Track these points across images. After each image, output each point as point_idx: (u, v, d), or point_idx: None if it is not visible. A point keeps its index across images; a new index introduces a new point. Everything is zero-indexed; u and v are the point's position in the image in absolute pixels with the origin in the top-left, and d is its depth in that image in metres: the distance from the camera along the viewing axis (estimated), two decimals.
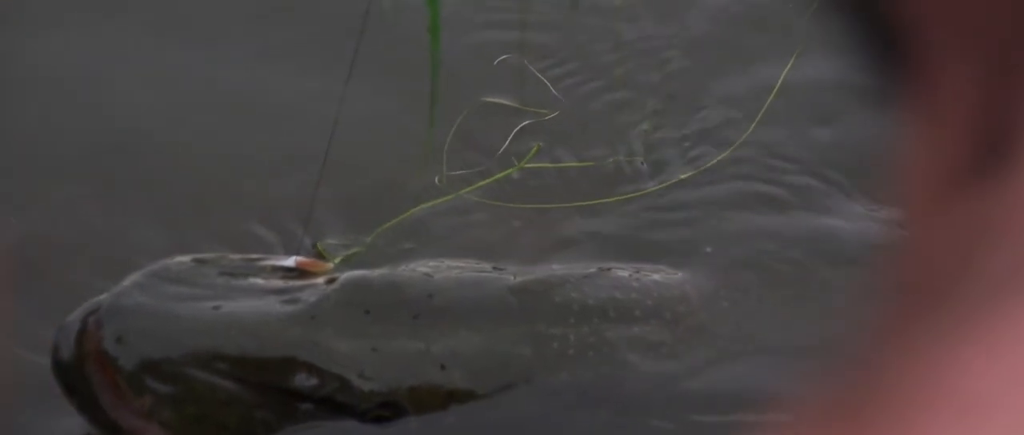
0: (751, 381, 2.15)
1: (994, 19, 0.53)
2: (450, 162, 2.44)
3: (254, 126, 2.53)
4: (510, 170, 2.41)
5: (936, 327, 0.51)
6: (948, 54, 0.55)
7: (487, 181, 2.41)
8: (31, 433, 2.11)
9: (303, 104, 2.51)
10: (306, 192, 2.27)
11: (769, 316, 2.24)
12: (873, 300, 0.57)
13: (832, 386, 0.54)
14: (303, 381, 1.99)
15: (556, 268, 2.24)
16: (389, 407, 2.03)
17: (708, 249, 2.35)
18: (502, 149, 2.46)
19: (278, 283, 2.08)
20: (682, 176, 2.46)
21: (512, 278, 2.17)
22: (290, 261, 2.15)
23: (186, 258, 2.08)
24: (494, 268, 2.22)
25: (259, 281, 2.07)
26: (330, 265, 2.23)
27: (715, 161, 2.46)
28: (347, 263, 2.30)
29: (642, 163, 2.48)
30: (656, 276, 2.25)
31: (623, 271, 2.24)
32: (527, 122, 2.49)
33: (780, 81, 2.50)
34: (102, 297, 2.02)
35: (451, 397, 2.06)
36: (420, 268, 2.17)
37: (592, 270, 2.22)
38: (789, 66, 2.51)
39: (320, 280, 2.11)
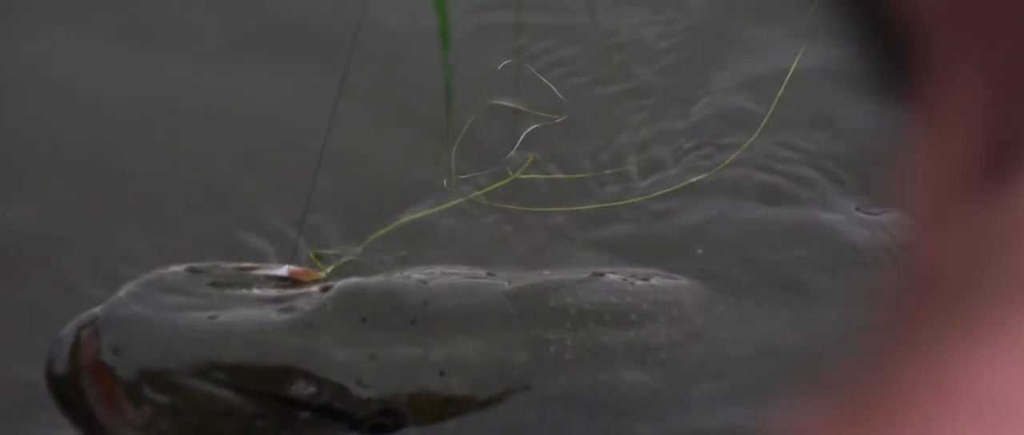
0: (751, 385, 2.15)
1: (1002, 25, 0.53)
2: (436, 168, 2.43)
3: (248, 134, 2.51)
4: (503, 181, 2.40)
5: (948, 332, 0.51)
6: (956, 59, 0.55)
7: (480, 192, 2.40)
8: None
9: (296, 113, 2.50)
10: (299, 200, 2.25)
11: (767, 319, 2.24)
12: (885, 305, 0.57)
13: (845, 390, 0.53)
14: (301, 390, 1.97)
15: (549, 273, 2.23)
16: (388, 415, 2.02)
17: (700, 251, 2.35)
18: (511, 153, 2.46)
19: (272, 292, 2.07)
20: (692, 179, 2.45)
21: (506, 284, 2.17)
22: (283, 270, 2.15)
23: (180, 268, 2.06)
24: (488, 274, 2.21)
25: (253, 290, 2.06)
26: (322, 274, 2.22)
27: (723, 165, 2.45)
28: (340, 272, 2.29)
29: (636, 171, 2.47)
30: (650, 280, 2.25)
31: (616, 276, 2.23)
32: (534, 126, 2.48)
33: (783, 86, 2.49)
34: (95, 310, 2.00)
35: (449, 403, 2.05)
36: (414, 275, 2.16)
37: (585, 275, 2.22)
38: (792, 69, 2.50)
39: (314, 288, 2.10)
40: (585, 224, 2.42)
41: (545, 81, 2.54)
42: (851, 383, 0.54)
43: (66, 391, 1.96)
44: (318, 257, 2.31)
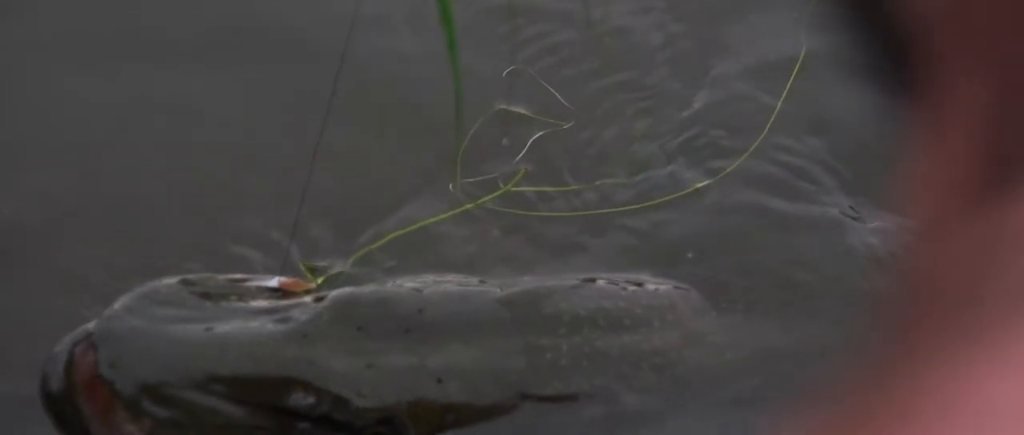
0: (748, 391, 2.15)
1: (1004, 32, 0.53)
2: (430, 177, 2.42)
3: (239, 141, 2.50)
4: (495, 194, 2.40)
5: (949, 341, 0.50)
6: (958, 65, 0.55)
7: (471, 205, 2.39)
8: None
9: (289, 128, 2.49)
10: (290, 209, 2.24)
11: (763, 322, 2.24)
12: (885, 313, 0.56)
13: (844, 399, 0.53)
14: (300, 401, 1.96)
15: (541, 279, 2.22)
16: (387, 424, 2.01)
17: (690, 255, 2.34)
18: (518, 158, 2.45)
19: (265, 303, 2.06)
20: (698, 185, 2.45)
21: (499, 291, 2.16)
22: (273, 281, 2.14)
23: (172, 280, 2.05)
24: (480, 282, 2.21)
25: (246, 302, 2.05)
26: (312, 285, 2.21)
27: (727, 171, 2.45)
28: (331, 282, 2.28)
29: (631, 178, 2.46)
30: (642, 285, 2.24)
31: (609, 281, 2.23)
32: (541, 133, 2.48)
33: (786, 89, 2.49)
34: (88, 326, 1.99)
35: (449, 411, 2.04)
36: (407, 283, 2.16)
37: (576, 281, 2.21)
38: (794, 72, 2.50)
39: (307, 298, 2.09)
40: (584, 229, 2.41)
41: (549, 87, 2.53)
42: (851, 392, 0.53)
43: (62, 408, 1.94)
44: (311, 270, 2.29)
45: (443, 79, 1.96)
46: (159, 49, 2.61)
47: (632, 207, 2.43)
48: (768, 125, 2.47)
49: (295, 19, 2.64)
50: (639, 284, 2.24)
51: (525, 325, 2.11)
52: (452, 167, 2.42)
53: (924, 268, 0.56)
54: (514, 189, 2.41)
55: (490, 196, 2.40)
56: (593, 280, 2.23)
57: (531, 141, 2.47)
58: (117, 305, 1.96)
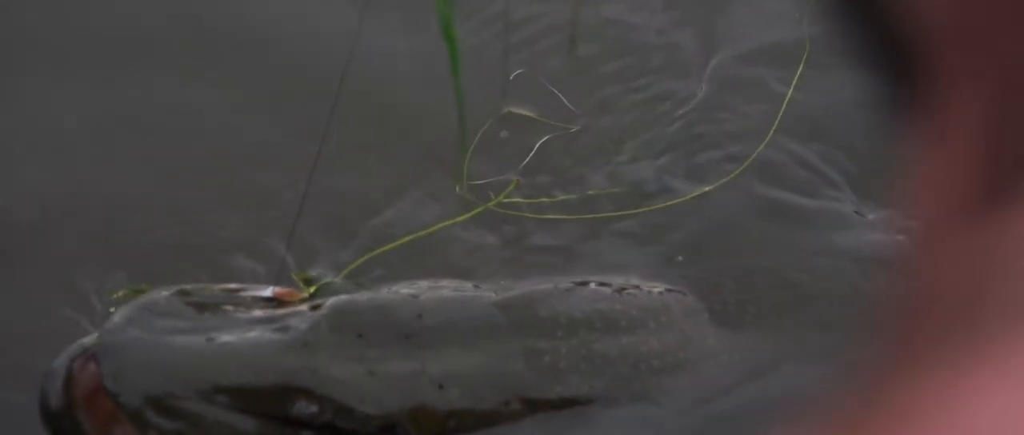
0: (745, 391, 2.15)
1: (1005, 37, 0.53)
2: (435, 180, 2.42)
3: (237, 149, 2.49)
4: (484, 206, 2.39)
5: (944, 356, 0.50)
6: (959, 71, 0.54)
7: (463, 217, 2.38)
8: None
9: (286, 140, 2.48)
10: (286, 217, 2.24)
11: (757, 327, 2.24)
12: (884, 318, 0.56)
13: (842, 405, 0.53)
14: (303, 409, 1.95)
15: (534, 283, 2.22)
16: (390, 431, 2.00)
17: (680, 258, 2.35)
18: (524, 162, 2.44)
19: (262, 312, 2.05)
20: (706, 188, 2.44)
21: (494, 295, 2.16)
22: (267, 291, 2.13)
23: (169, 290, 2.04)
24: (475, 287, 2.20)
25: (243, 311, 2.04)
26: (305, 294, 2.21)
27: (732, 176, 2.45)
28: (322, 292, 2.27)
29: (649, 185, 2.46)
30: (634, 288, 2.24)
31: (601, 284, 2.23)
32: (548, 136, 2.48)
33: (789, 94, 2.50)
34: (84, 341, 1.98)
35: (450, 417, 2.03)
36: (403, 290, 2.15)
37: (569, 284, 2.21)
38: (797, 75, 2.51)
39: (303, 307, 2.09)
40: (584, 234, 2.40)
41: (555, 91, 2.53)
42: (847, 399, 0.53)
43: (61, 423, 1.93)
44: (304, 280, 2.28)
45: (442, 83, 1.97)
46: (161, 57, 2.60)
47: (633, 211, 2.43)
48: (771, 131, 2.47)
49: (297, 32, 2.63)
50: (631, 287, 2.24)
51: (522, 329, 2.11)
52: (450, 174, 2.41)
53: (923, 275, 0.55)
54: (505, 200, 2.40)
55: (480, 208, 2.39)
56: (585, 283, 2.23)
57: (538, 145, 2.46)
58: (117, 317, 1.95)
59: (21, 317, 2.23)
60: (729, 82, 2.61)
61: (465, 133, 2.13)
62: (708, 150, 2.51)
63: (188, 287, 2.07)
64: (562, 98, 2.52)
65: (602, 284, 2.23)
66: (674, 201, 2.43)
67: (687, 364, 2.18)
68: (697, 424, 2.14)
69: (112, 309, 2.02)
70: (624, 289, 2.23)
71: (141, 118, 2.52)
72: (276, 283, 2.21)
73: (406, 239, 2.35)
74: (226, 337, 1.97)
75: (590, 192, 2.45)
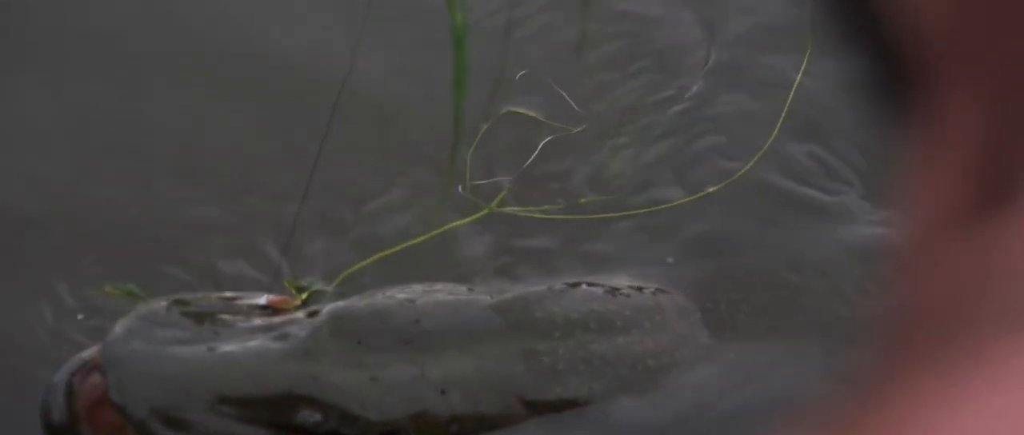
0: (745, 394, 2.16)
1: (1004, 53, 0.53)
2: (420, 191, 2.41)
3: (234, 153, 2.48)
4: (479, 214, 2.39)
5: (939, 358, 0.50)
6: (957, 86, 0.55)
7: (452, 225, 2.37)
8: None
9: (285, 143, 2.46)
10: (280, 223, 2.23)
11: (750, 327, 2.25)
12: (880, 328, 0.56)
13: (832, 415, 0.53)
14: (307, 418, 1.95)
15: (529, 285, 2.22)
16: None
17: (669, 260, 2.35)
18: (527, 162, 2.43)
19: (260, 321, 2.05)
20: (710, 189, 2.44)
21: (489, 297, 2.16)
22: (262, 299, 2.12)
23: (167, 300, 2.03)
24: (469, 289, 2.20)
25: (242, 320, 2.03)
26: (298, 301, 2.20)
27: (734, 178, 2.44)
28: (315, 298, 2.26)
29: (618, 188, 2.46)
30: (626, 288, 2.25)
31: (592, 285, 2.23)
32: (550, 137, 2.47)
33: (789, 99, 2.50)
34: (84, 354, 1.98)
35: (453, 422, 2.03)
36: (398, 294, 2.14)
37: (562, 285, 2.21)
38: (797, 79, 2.51)
39: (300, 314, 2.08)
40: (577, 235, 2.40)
41: (560, 91, 2.52)
42: (837, 410, 0.53)
43: None
44: (299, 290, 2.27)
45: (440, 86, 1.95)
46: (158, 63, 2.58)
47: (633, 212, 2.43)
48: (775, 134, 2.47)
49: (297, 37, 2.61)
50: (622, 287, 2.25)
51: (520, 331, 2.11)
52: (449, 176, 2.40)
53: (919, 279, 0.56)
54: (497, 209, 2.40)
55: (473, 217, 2.38)
56: (577, 284, 2.22)
57: (541, 145, 2.46)
58: (119, 329, 1.94)
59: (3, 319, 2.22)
60: (736, 79, 2.60)
61: (459, 132, 2.11)
62: (711, 151, 2.51)
63: (186, 296, 2.06)
64: (567, 98, 2.51)
65: (593, 285, 2.23)
66: (677, 202, 2.43)
67: (683, 364, 2.18)
68: (696, 424, 2.14)
69: (111, 318, 2.00)
70: (616, 290, 2.23)
71: (134, 124, 2.50)
72: (270, 290, 2.21)
73: (403, 246, 2.34)
74: (227, 347, 1.96)
75: (588, 197, 2.44)
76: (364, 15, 2.06)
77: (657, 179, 2.46)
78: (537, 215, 2.39)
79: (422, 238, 2.36)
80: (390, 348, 2.03)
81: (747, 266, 2.32)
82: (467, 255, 2.36)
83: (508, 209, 2.39)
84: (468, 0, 1.76)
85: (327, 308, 2.07)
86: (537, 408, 2.08)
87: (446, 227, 2.37)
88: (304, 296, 2.26)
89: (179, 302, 2.03)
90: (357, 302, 2.10)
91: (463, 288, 2.20)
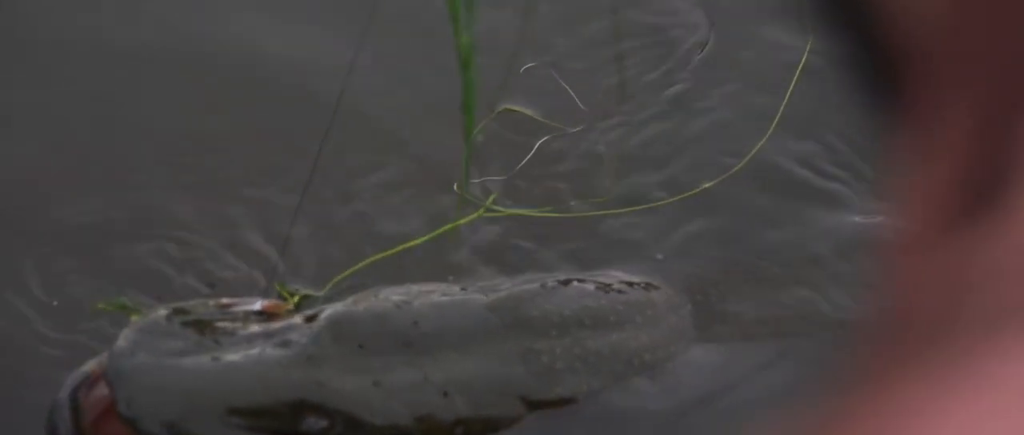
0: (737, 384, 2.17)
1: (993, 61, 0.54)
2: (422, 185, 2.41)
3: (235, 164, 2.46)
4: (471, 216, 2.38)
5: (922, 362, 0.51)
6: (948, 91, 0.55)
7: (435, 233, 2.37)
8: None
9: (283, 146, 2.45)
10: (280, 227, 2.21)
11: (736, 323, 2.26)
12: (863, 334, 0.57)
13: (819, 416, 0.53)
14: (313, 425, 1.94)
15: (520, 282, 2.22)
16: None
17: (659, 256, 2.35)
18: (522, 162, 2.43)
19: (259, 328, 2.03)
20: (707, 184, 2.44)
21: (484, 297, 2.15)
22: (257, 305, 2.10)
23: (165, 309, 2.00)
24: (462, 289, 2.19)
25: (242, 327, 2.01)
26: (290, 305, 2.18)
27: (731, 172, 2.45)
28: (305, 303, 2.25)
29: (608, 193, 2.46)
30: (616, 282, 2.25)
31: (584, 281, 2.23)
32: (547, 137, 2.47)
33: (786, 97, 2.51)
34: (85, 369, 1.96)
35: (457, 425, 2.03)
36: (393, 296, 2.13)
37: (553, 282, 2.21)
38: (795, 78, 2.52)
39: (298, 319, 2.06)
40: (571, 234, 2.40)
41: (566, 87, 2.52)
42: (823, 411, 0.53)
43: None
44: (292, 296, 2.26)
45: (442, 85, 1.95)
46: (156, 70, 2.56)
47: (644, 205, 2.43)
48: (772, 129, 2.48)
49: (297, 42, 2.59)
50: (612, 282, 2.25)
51: (517, 330, 2.11)
52: (443, 176, 2.40)
53: (903, 286, 0.56)
54: (487, 214, 2.39)
55: (461, 221, 2.38)
56: (568, 281, 2.23)
57: (537, 145, 2.45)
58: (122, 342, 1.91)
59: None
60: (733, 76, 2.61)
61: (469, 156, 2.11)
62: (708, 148, 2.51)
63: (184, 305, 2.04)
64: (574, 96, 2.51)
65: (583, 281, 2.23)
66: (673, 199, 2.43)
67: (677, 358, 2.19)
68: (693, 418, 2.15)
69: (119, 331, 1.98)
70: (607, 285, 2.23)
71: (132, 128, 2.47)
72: (265, 295, 2.20)
73: (395, 250, 2.33)
74: (231, 356, 1.94)
75: (582, 195, 2.44)
76: (365, 23, 2.05)
77: (653, 176, 2.47)
78: (531, 213, 2.38)
79: (415, 242, 2.35)
80: (391, 351, 2.02)
81: (737, 260, 2.33)
82: (460, 254, 2.35)
83: (502, 211, 2.39)
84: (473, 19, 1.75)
85: (325, 312, 2.05)
86: (538, 407, 2.08)
87: (438, 232, 2.36)
88: (295, 299, 2.25)
89: (179, 311, 2.01)
90: (355, 305, 2.09)
91: (456, 288, 2.20)
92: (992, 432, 0.47)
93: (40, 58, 2.56)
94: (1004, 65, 0.53)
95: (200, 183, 2.39)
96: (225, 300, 2.10)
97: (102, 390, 1.91)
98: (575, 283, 2.22)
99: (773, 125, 2.47)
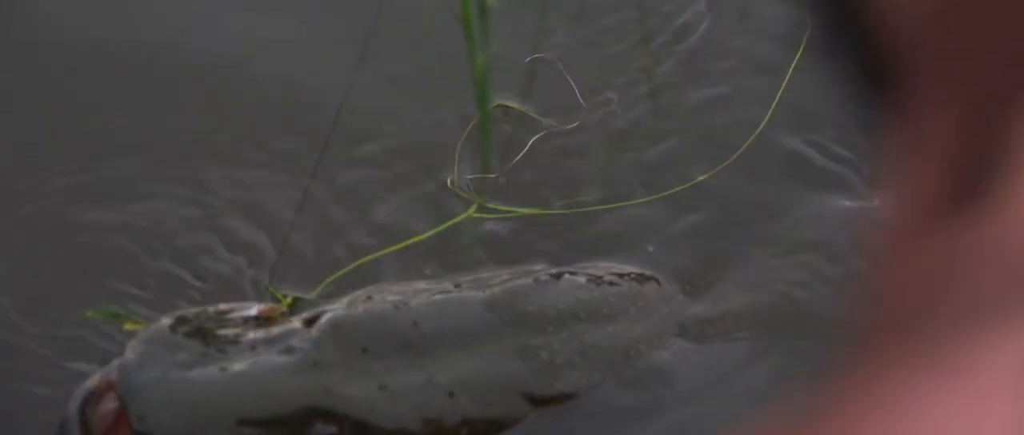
0: (732, 376, 2.18)
1: (980, 59, 0.55)
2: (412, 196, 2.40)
3: (234, 165, 2.46)
4: (456, 219, 2.38)
5: (906, 354, 0.52)
6: (936, 88, 0.56)
7: (422, 236, 2.37)
8: None
9: (282, 149, 2.45)
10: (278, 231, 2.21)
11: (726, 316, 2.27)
12: (848, 325, 0.58)
13: (803, 406, 0.54)
14: (322, 431, 1.93)
15: (513, 277, 2.22)
16: None
17: (650, 248, 2.36)
18: (516, 159, 2.42)
19: (259, 334, 2.03)
20: (701, 177, 2.44)
21: (480, 293, 2.16)
22: (253, 310, 2.11)
23: (168, 319, 2.00)
24: (456, 285, 2.20)
25: (242, 334, 2.02)
26: (283, 308, 2.18)
27: (723, 165, 2.45)
28: (299, 306, 2.25)
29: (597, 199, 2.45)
30: (606, 275, 2.25)
31: (575, 273, 2.24)
32: (541, 133, 2.46)
33: (780, 92, 2.51)
34: (88, 383, 1.95)
35: (464, 425, 2.03)
36: (388, 296, 2.13)
37: (545, 276, 2.22)
38: (788, 76, 2.52)
39: (297, 323, 2.06)
40: (565, 229, 2.40)
41: (570, 80, 2.51)
42: (807, 402, 0.54)
43: None
44: (284, 298, 2.26)
45: (441, 87, 1.94)
46: (155, 74, 2.55)
47: (639, 200, 2.43)
48: (764, 123, 2.48)
49: (297, 48, 2.59)
50: (603, 274, 2.25)
51: (514, 327, 2.11)
52: (438, 175, 2.40)
53: (888, 278, 0.57)
54: (477, 216, 2.39)
55: (448, 223, 2.38)
56: (560, 275, 2.23)
57: (531, 142, 2.45)
58: (130, 355, 1.91)
59: None
60: (729, 73, 2.61)
61: (486, 179, 2.11)
62: (704, 145, 2.51)
63: (184, 314, 2.03)
64: (577, 92, 2.51)
65: (574, 274, 2.24)
66: (666, 193, 2.43)
67: (672, 346, 2.20)
68: (692, 409, 2.16)
69: (125, 343, 1.98)
70: (598, 277, 2.24)
71: (132, 128, 2.47)
72: (261, 299, 2.20)
73: (386, 251, 2.34)
74: (238, 365, 1.93)
75: (576, 192, 2.44)
76: (368, 24, 2.04)
77: (649, 173, 2.47)
78: (523, 212, 2.39)
79: (409, 242, 2.35)
80: (393, 353, 2.02)
81: (729, 251, 2.34)
82: (455, 251, 2.35)
83: (495, 210, 2.39)
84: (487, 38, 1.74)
85: (325, 316, 2.05)
86: (541, 404, 2.09)
87: (432, 233, 2.36)
88: (288, 301, 2.25)
89: (181, 321, 2.00)
90: (353, 308, 2.09)
91: (450, 285, 2.20)
92: (972, 421, 0.48)
93: (40, 58, 2.55)
94: (990, 61, 0.54)
95: (200, 183, 2.39)
96: (223, 306, 2.09)
97: (109, 404, 1.91)
98: (567, 276, 2.22)
99: (764, 121, 2.47)
